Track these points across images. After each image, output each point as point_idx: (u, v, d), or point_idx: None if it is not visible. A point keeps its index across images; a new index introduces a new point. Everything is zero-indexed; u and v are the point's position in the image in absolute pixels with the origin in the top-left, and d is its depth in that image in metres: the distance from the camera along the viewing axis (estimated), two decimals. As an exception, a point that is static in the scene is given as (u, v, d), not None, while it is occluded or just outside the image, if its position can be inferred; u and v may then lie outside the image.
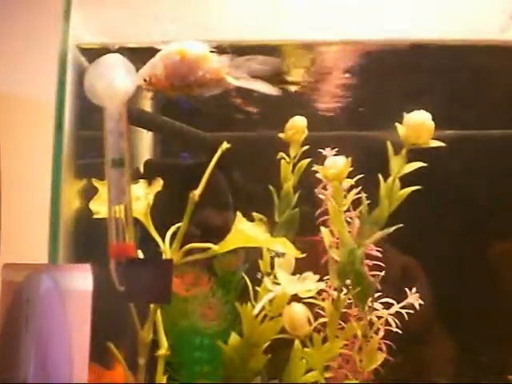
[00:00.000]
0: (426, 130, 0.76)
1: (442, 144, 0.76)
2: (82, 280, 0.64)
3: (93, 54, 0.78)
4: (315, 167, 0.86)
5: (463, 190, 0.99)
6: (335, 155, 0.90)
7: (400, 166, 0.77)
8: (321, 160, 0.91)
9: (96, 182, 0.83)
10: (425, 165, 0.77)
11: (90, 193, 0.84)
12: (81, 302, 0.63)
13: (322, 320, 0.78)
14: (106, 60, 0.76)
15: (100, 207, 0.82)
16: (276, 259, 0.77)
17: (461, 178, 1.00)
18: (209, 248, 0.80)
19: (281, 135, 0.90)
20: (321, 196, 0.90)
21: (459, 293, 0.96)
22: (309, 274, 0.77)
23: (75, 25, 0.77)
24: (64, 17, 0.77)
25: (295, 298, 0.78)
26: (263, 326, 0.78)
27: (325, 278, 0.82)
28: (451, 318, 0.97)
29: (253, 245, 0.80)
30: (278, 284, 0.77)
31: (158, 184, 0.85)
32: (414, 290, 0.86)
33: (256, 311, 0.75)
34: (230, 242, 0.79)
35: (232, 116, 1.01)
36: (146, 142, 1.04)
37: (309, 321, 0.76)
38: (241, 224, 0.80)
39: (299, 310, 0.75)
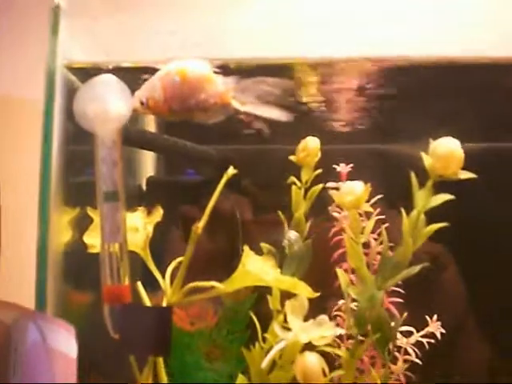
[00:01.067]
0: (455, 160, 0.67)
1: (473, 175, 0.67)
2: (67, 342, 0.56)
3: (83, 73, 0.69)
4: (329, 191, 0.78)
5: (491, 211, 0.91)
6: (350, 171, 0.83)
7: (425, 200, 0.68)
8: (334, 176, 0.84)
9: (91, 212, 0.75)
10: (453, 197, 0.69)
11: (83, 222, 0.76)
12: (66, 366, 0.56)
13: (338, 372, 0.70)
14: (97, 81, 0.67)
15: (95, 240, 0.73)
16: (287, 302, 0.69)
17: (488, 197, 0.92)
18: (213, 287, 0.72)
19: (292, 158, 0.82)
20: (335, 214, 0.83)
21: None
22: (323, 319, 0.69)
23: (64, 40, 0.69)
24: (51, 31, 0.68)
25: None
26: (272, 376, 0.71)
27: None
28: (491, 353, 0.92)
29: (261, 284, 0.72)
30: (288, 330, 0.69)
31: (158, 213, 0.77)
32: (435, 317, 0.79)
33: (264, 365, 0.67)
34: (237, 281, 0.71)
35: (240, 130, 0.92)
36: (147, 158, 0.96)
37: (323, 372, 0.68)
38: (248, 259, 0.72)
39: (313, 361, 0.67)
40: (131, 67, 0.71)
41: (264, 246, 0.79)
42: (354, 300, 0.75)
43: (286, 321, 0.71)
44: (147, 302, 0.72)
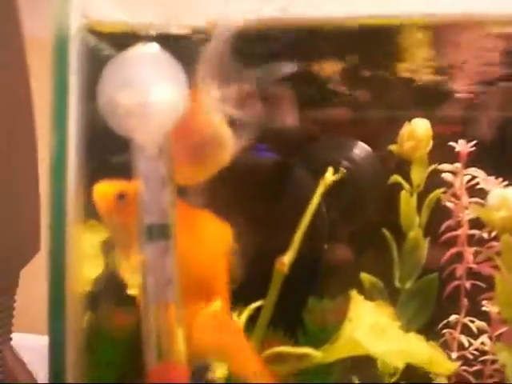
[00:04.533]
0: None
1: None
2: None
3: (112, 42, 0.43)
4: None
5: None
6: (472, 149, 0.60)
7: None
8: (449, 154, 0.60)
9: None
10: None
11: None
12: None
13: None
14: (133, 56, 0.41)
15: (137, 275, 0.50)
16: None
17: None
18: (306, 355, 0.48)
19: (392, 148, 0.58)
20: (449, 204, 0.60)
21: None
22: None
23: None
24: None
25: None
26: None
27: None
28: None
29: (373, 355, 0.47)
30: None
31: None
32: None
33: None
34: (341, 350, 0.47)
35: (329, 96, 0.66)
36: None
37: None
38: (357, 309, 0.48)
39: None
40: (184, 35, 0.43)
41: (366, 277, 0.55)
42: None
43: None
44: None
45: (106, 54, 0.46)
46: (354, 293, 0.48)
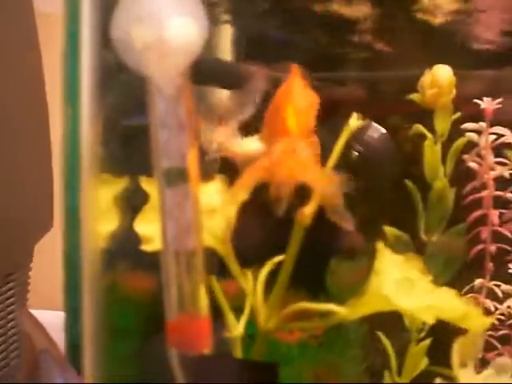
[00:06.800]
0: None
1: None
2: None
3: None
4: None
5: None
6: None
7: None
8: (472, 115, 0.56)
9: (145, 183, 0.48)
10: None
11: (134, 198, 0.49)
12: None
13: None
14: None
15: (152, 229, 0.47)
16: (456, 343, 0.42)
17: None
18: (331, 312, 0.45)
19: (414, 97, 0.53)
20: (472, 165, 0.56)
21: None
22: (506, 364, 0.43)
23: None
24: None
25: None
26: None
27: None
28: None
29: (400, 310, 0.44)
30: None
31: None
32: None
33: None
34: (367, 305, 0.44)
35: (348, 54, 0.62)
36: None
37: None
38: (383, 262, 0.45)
39: None
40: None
41: (389, 231, 0.52)
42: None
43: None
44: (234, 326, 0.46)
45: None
46: (380, 245, 0.45)
